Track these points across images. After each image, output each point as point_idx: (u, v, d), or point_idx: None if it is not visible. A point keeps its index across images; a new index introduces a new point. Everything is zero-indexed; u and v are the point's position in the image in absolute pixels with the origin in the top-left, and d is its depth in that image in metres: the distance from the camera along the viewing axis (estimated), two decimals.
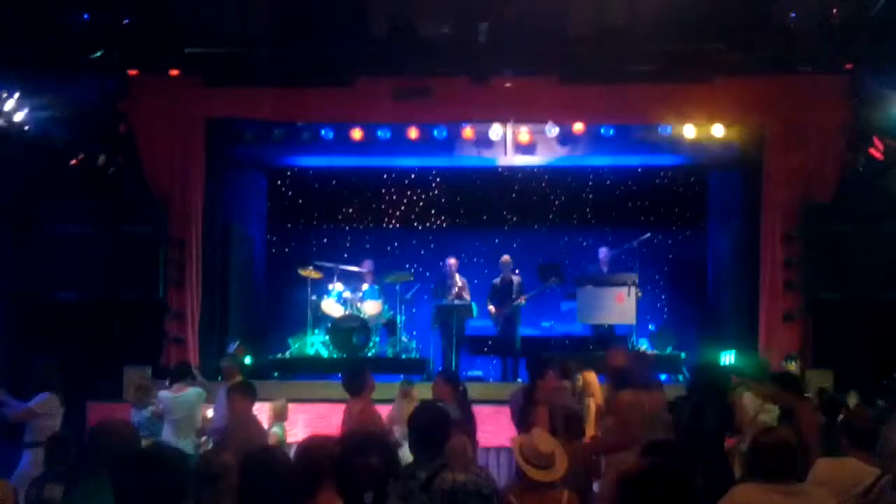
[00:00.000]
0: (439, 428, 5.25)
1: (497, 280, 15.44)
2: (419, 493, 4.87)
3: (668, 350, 15.06)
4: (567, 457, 5.87)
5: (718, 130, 14.37)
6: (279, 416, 11.26)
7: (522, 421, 8.80)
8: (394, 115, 14.44)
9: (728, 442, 8.88)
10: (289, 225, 17.49)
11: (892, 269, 13.56)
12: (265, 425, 11.02)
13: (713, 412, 8.18)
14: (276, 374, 14.55)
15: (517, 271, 15.57)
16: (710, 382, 8.59)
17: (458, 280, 15.35)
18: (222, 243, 15.07)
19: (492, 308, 15.27)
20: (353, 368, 10.05)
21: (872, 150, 13.63)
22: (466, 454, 6.14)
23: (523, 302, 15.18)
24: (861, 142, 13.75)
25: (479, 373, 15.36)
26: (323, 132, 14.86)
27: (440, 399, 8.94)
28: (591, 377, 9.92)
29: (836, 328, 13.53)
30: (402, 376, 13.73)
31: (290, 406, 11.62)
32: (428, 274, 16.73)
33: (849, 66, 13.44)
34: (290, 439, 11.09)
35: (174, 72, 13.86)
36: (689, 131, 14.43)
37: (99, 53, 12.77)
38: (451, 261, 15.52)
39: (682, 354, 14.87)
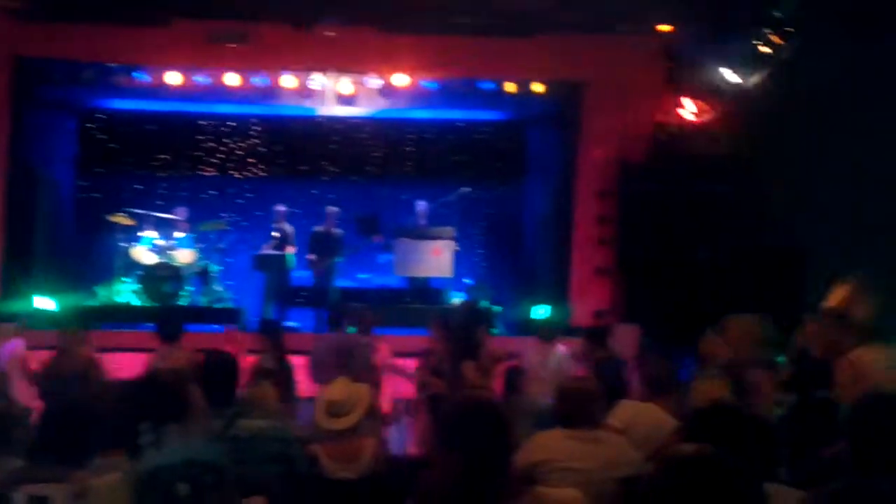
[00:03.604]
0: (226, 374, 5.14)
1: (321, 228, 15.28)
2: (216, 441, 4.75)
3: (484, 304, 15.20)
4: (365, 404, 5.87)
5: (538, 87, 14.56)
6: None
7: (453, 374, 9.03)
8: (213, 61, 14.15)
9: None
10: (101, 170, 16.72)
11: (700, 229, 13.96)
12: None
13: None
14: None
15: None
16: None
17: (284, 228, 15.20)
18: (27, 187, 14.41)
19: (312, 257, 15.13)
20: (169, 314, 9.80)
21: (685, 112, 14.02)
22: (270, 402, 6.03)
23: (341, 258, 15.13)
24: (675, 103, 14.11)
25: (294, 323, 15.21)
26: (137, 75, 14.35)
27: (261, 351, 8.94)
28: None
29: (645, 285, 13.89)
30: (218, 326, 13.62)
31: (96, 356, 11.23)
32: (245, 223, 16.44)
33: (665, 28, 13.74)
34: None
35: None
36: (510, 87, 14.54)
37: None
38: (280, 209, 15.39)
39: (498, 308, 15.03)
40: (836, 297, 6.76)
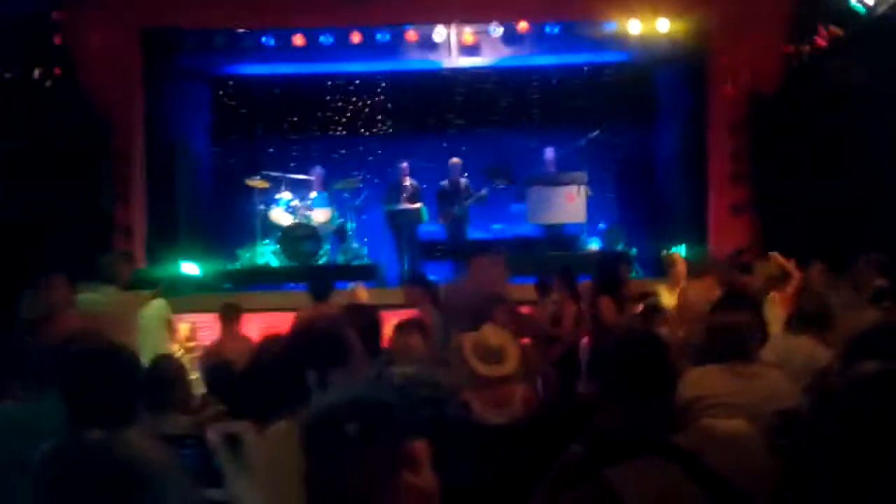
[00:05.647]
0: (370, 325, 5.25)
1: (445, 182, 15.33)
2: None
3: (620, 247, 15.13)
4: (518, 352, 5.90)
5: (663, 25, 14.31)
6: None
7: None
8: (336, 20, 14.22)
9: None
10: (233, 136, 17.12)
11: (835, 160, 13.58)
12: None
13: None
14: (226, 285, 14.43)
15: (466, 174, 15.48)
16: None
17: (410, 184, 15.26)
18: (166, 156, 14.77)
19: (442, 211, 15.22)
20: (319, 273, 9.87)
21: (817, 39, 13.62)
22: (417, 351, 6.11)
23: (474, 201, 15.13)
24: (805, 31, 13.72)
25: (433, 277, 15.31)
26: (264, 39, 14.60)
27: (414, 304, 8.99)
28: None
29: (782, 219, 13.59)
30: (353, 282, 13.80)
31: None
32: (376, 180, 16.59)
33: None
34: None
35: None
36: (634, 27, 14.33)
37: None
38: (403, 165, 15.41)
39: (634, 250, 14.92)
40: None
